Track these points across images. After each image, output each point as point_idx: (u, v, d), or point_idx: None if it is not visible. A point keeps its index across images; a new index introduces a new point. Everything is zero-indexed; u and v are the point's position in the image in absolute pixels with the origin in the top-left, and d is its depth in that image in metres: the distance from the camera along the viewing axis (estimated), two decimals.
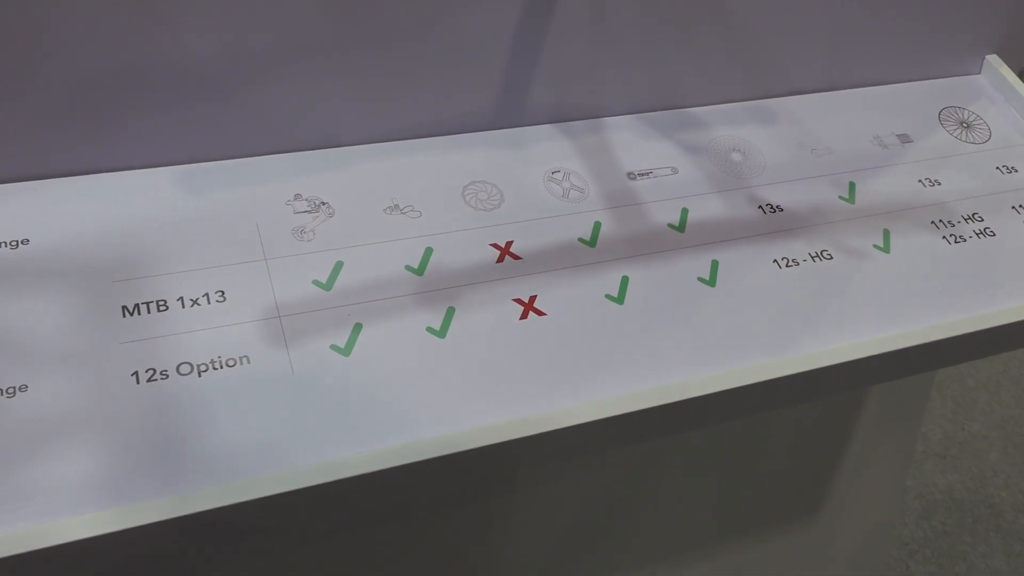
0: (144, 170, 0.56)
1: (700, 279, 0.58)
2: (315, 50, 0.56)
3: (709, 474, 0.91)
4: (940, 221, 0.65)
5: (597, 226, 0.59)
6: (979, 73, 0.77)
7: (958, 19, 0.74)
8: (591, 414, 0.50)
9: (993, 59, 0.76)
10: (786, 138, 0.68)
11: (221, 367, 0.48)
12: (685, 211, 0.61)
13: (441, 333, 0.52)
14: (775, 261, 0.60)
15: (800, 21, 0.68)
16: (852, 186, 0.66)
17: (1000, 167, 0.70)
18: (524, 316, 0.54)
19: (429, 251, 0.56)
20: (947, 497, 1.29)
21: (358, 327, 0.51)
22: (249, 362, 0.49)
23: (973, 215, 0.65)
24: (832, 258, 0.61)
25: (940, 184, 0.67)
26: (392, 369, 0.50)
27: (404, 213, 0.57)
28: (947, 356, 0.60)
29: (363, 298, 0.53)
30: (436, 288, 0.54)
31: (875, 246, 0.62)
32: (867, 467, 1.00)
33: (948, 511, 1.28)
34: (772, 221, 0.62)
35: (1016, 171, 0.69)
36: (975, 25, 0.75)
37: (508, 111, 0.63)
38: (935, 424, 1.46)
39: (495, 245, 0.57)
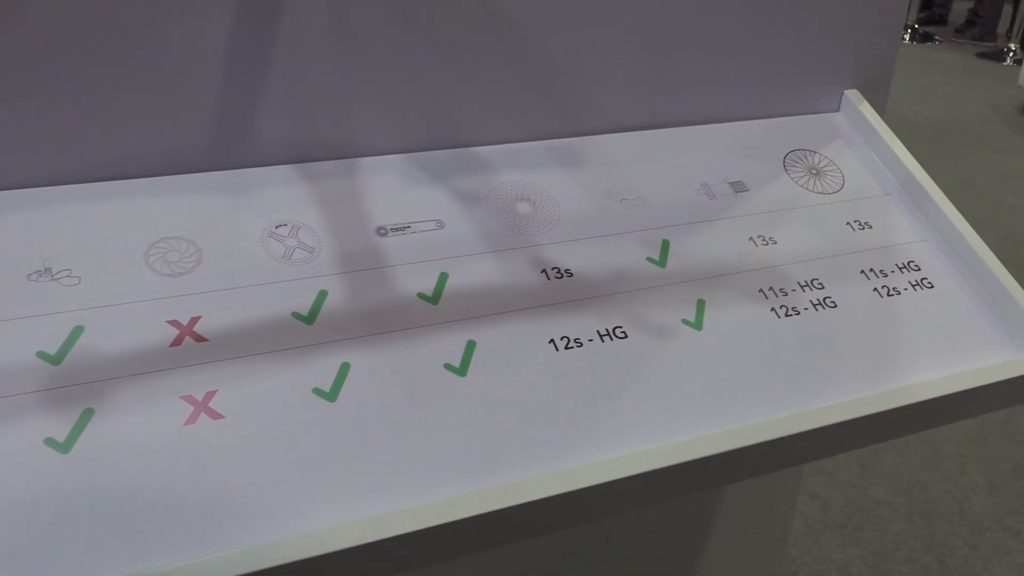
0: None
1: (448, 366, 0.45)
2: None
3: None
4: (770, 289, 0.53)
5: (321, 296, 0.46)
6: (838, 111, 0.66)
7: (813, 47, 0.63)
8: (261, 561, 0.37)
9: (852, 94, 0.65)
10: (590, 185, 0.56)
11: None
12: (444, 276, 0.49)
13: (65, 447, 0.38)
14: (552, 342, 0.47)
15: (616, 44, 0.56)
16: (665, 245, 0.53)
17: (851, 222, 0.58)
18: (192, 420, 0.40)
19: (78, 331, 0.42)
20: (844, 574, 1.18)
21: None
22: None
23: (812, 281, 0.54)
24: (626, 337, 0.48)
25: (775, 243, 0.55)
26: None
27: (56, 279, 0.44)
28: (765, 462, 0.47)
29: None
30: (75, 383, 0.40)
31: (684, 321, 0.50)
32: (733, 549, 0.88)
33: None
34: (556, 289, 0.49)
35: (869, 227, 0.58)
36: (833, 55, 0.64)
37: (228, 148, 0.50)
38: (838, 489, 1.34)
39: (174, 323, 0.43)
